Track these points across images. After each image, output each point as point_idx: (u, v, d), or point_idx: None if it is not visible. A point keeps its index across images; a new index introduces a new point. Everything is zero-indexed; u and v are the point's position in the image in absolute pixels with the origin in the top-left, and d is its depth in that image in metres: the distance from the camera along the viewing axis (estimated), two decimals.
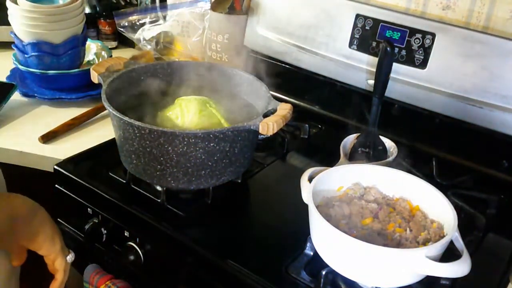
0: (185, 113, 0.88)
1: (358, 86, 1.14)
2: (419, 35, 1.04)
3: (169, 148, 0.81)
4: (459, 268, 0.64)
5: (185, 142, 0.80)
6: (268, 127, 0.80)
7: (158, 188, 0.90)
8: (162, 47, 1.46)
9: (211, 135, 0.81)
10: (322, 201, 0.79)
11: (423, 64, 1.04)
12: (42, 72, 1.20)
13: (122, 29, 1.45)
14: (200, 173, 0.85)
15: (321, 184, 0.78)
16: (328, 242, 0.71)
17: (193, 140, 0.80)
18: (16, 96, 1.20)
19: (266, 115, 0.84)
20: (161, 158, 0.83)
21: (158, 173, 0.85)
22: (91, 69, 0.93)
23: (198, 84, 0.99)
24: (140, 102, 0.93)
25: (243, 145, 0.86)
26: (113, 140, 1.00)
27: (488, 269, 0.81)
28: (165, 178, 0.85)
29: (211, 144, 0.82)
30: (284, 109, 0.85)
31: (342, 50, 1.14)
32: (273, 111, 0.85)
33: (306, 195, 0.74)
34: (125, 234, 0.88)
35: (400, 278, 0.69)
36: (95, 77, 0.92)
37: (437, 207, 0.76)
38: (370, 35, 1.09)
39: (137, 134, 0.82)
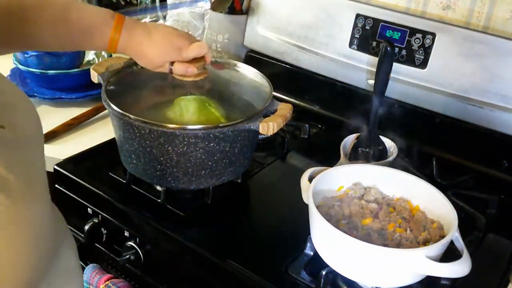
0: (184, 113, 0.88)
1: (358, 86, 1.14)
2: (419, 35, 1.03)
3: (169, 148, 0.81)
4: (459, 268, 0.64)
5: (185, 142, 0.80)
6: (268, 127, 0.80)
7: (158, 188, 0.90)
8: None
9: (211, 135, 0.81)
10: (322, 201, 0.79)
11: (423, 64, 1.04)
12: (42, 72, 1.20)
13: None
14: (200, 173, 0.85)
15: (321, 184, 0.78)
16: (328, 242, 0.71)
17: (193, 140, 0.80)
18: None
19: (266, 115, 0.84)
20: (161, 158, 0.83)
21: (158, 173, 0.85)
22: (91, 69, 0.93)
23: (199, 83, 0.99)
24: (141, 102, 0.93)
25: (243, 145, 0.86)
26: (113, 140, 1.00)
27: (488, 269, 0.81)
28: (165, 178, 0.85)
29: (211, 144, 0.82)
30: (284, 109, 0.85)
31: (342, 50, 1.14)
32: (273, 111, 0.85)
33: (306, 195, 0.74)
34: (125, 234, 0.88)
35: (400, 278, 0.68)
36: (95, 77, 0.92)
37: (437, 207, 0.76)
38: (370, 35, 1.09)
39: (137, 134, 0.82)
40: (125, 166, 0.90)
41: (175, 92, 0.93)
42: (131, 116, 0.81)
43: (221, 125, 0.82)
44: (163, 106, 0.93)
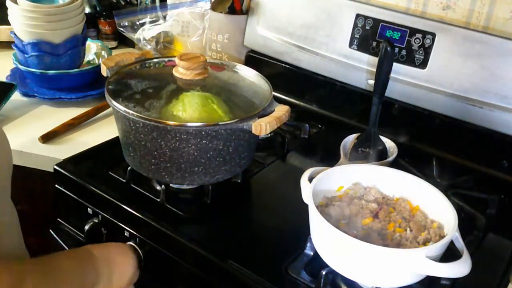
0: (187, 108, 0.87)
1: (358, 86, 1.14)
2: (419, 35, 1.03)
3: (162, 142, 0.82)
4: (459, 268, 0.64)
5: (176, 138, 0.81)
6: (261, 127, 0.80)
7: (158, 188, 0.91)
8: (162, 47, 1.46)
9: (203, 132, 0.81)
10: (322, 201, 0.79)
11: (423, 64, 1.04)
12: (42, 72, 1.20)
13: (122, 29, 1.45)
14: (193, 170, 0.85)
15: (321, 184, 0.78)
16: (328, 242, 0.71)
17: (184, 136, 0.81)
18: (16, 96, 1.20)
19: (263, 116, 0.83)
20: (155, 152, 0.83)
21: (152, 167, 0.86)
22: (101, 63, 0.94)
23: (200, 82, 0.99)
24: (146, 97, 0.93)
25: (238, 144, 0.86)
26: (113, 140, 1.00)
27: (488, 269, 0.81)
28: (159, 172, 0.86)
29: (203, 141, 0.82)
30: (280, 111, 0.85)
31: (342, 50, 1.14)
32: (271, 113, 0.85)
33: (306, 195, 0.74)
34: (125, 234, 0.88)
35: (400, 278, 0.68)
36: (104, 71, 0.93)
37: (437, 207, 0.76)
38: (370, 35, 1.09)
39: (132, 127, 0.83)
40: (124, 157, 0.91)
41: (178, 89, 0.93)
42: (128, 110, 0.82)
43: (212, 123, 0.82)
44: (166, 101, 0.93)
